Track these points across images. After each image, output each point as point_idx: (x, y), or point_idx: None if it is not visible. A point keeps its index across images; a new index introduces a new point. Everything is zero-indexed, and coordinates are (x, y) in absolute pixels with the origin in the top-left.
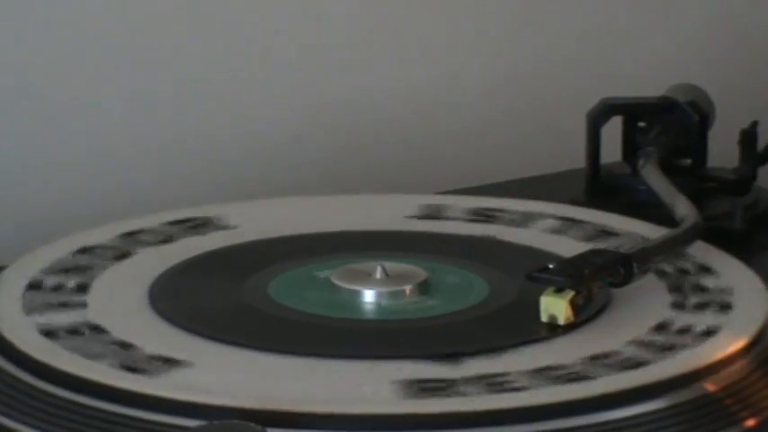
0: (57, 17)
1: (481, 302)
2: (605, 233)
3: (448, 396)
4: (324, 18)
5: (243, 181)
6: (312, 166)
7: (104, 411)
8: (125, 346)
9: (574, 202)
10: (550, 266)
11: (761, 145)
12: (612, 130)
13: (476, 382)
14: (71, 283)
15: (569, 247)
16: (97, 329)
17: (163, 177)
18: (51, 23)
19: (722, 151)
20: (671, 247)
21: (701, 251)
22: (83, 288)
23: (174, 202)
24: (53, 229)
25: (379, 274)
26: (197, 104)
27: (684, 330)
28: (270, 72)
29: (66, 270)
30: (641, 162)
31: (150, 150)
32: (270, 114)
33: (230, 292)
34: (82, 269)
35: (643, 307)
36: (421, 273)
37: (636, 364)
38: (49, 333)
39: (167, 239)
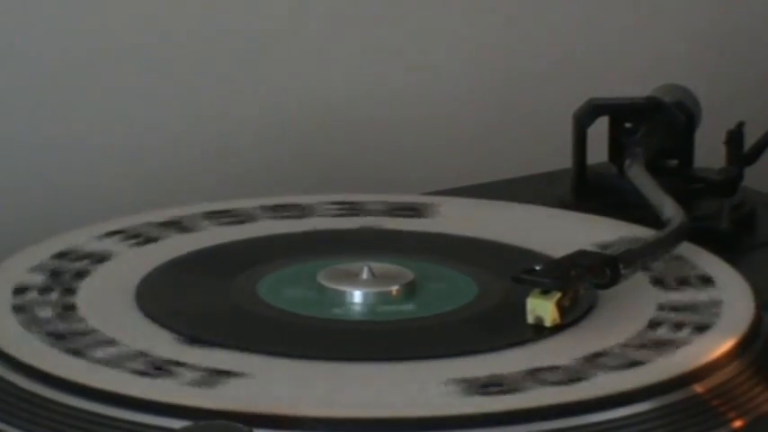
0: (56, 16)
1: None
2: None
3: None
4: (319, 18)
5: (240, 181)
6: (307, 165)
7: (89, 412)
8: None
9: (561, 202)
10: (537, 268)
11: (747, 145)
12: (599, 131)
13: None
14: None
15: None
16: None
17: (160, 177)
18: (49, 22)
19: (709, 152)
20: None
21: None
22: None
23: (171, 201)
24: (47, 228)
25: (365, 275)
26: (193, 104)
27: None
28: (267, 72)
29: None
30: (627, 162)
31: (149, 150)
32: (267, 114)
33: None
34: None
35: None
36: (408, 273)
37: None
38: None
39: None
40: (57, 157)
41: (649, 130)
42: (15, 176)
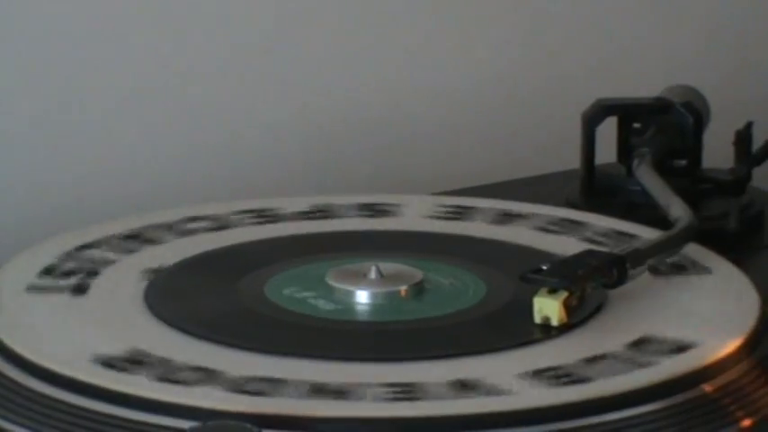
0: (57, 19)
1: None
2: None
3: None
4: (321, 18)
5: (240, 182)
6: (309, 166)
7: (97, 412)
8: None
9: (569, 202)
10: (544, 267)
11: (756, 146)
12: (607, 131)
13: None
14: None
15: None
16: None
17: (161, 179)
18: (51, 25)
19: (717, 152)
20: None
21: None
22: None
23: (172, 203)
24: (51, 229)
25: (373, 275)
26: (194, 104)
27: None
28: (269, 72)
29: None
30: (636, 163)
31: (149, 151)
32: (268, 115)
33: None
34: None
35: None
36: (416, 273)
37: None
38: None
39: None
40: (63, 157)
41: (658, 131)
42: (21, 176)
